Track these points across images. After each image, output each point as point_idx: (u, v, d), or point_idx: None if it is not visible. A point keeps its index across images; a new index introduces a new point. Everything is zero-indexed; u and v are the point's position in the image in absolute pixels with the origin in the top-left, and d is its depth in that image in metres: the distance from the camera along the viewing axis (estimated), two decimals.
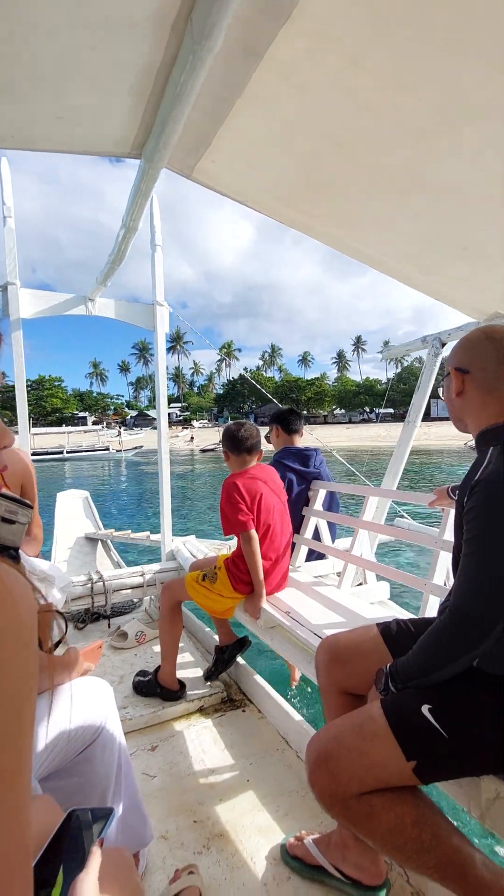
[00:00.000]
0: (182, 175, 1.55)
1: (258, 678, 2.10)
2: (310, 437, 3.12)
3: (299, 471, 2.62)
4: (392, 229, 1.76)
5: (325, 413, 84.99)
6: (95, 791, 1.04)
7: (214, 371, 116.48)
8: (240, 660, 2.20)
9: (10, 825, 0.35)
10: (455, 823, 0.95)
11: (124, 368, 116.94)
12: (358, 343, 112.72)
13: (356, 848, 1.18)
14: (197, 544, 3.12)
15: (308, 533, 2.57)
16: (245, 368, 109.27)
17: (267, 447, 2.31)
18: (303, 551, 2.58)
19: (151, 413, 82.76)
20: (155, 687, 1.97)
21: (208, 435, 51.88)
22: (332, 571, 2.63)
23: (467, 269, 1.96)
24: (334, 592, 2.04)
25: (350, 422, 79.13)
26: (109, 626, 2.70)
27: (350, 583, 2.26)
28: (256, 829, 1.41)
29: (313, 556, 2.67)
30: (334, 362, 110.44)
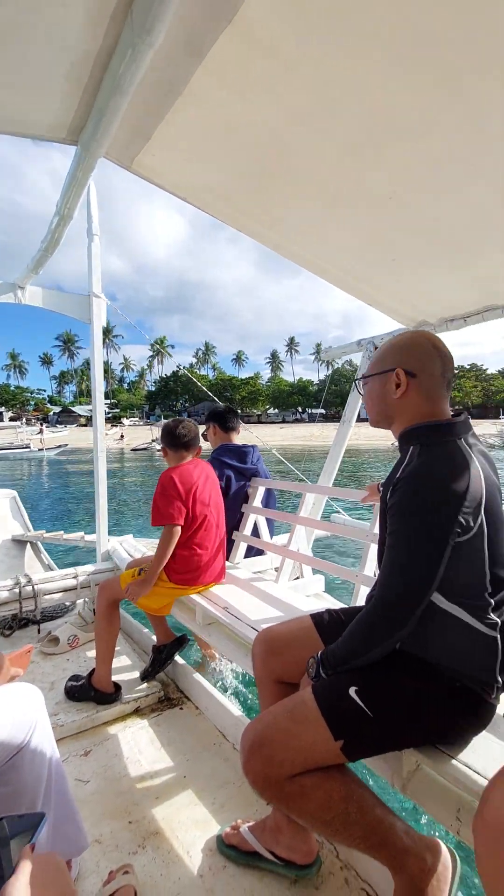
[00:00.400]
0: (121, 166, 1.52)
1: (196, 675, 2.10)
2: (249, 434, 3.16)
3: (237, 467, 2.65)
4: (325, 235, 1.83)
5: (259, 412, 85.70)
6: (24, 800, 1.00)
7: (146, 367, 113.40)
8: (178, 658, 2.20)
9: None
10: (381, 798, 1.02)
11: (46, 361, 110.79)
12: (291, 344, 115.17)
13: (289, 830, 1.23)
14: (135, 543, 3.05)
15: (247, 529, 2.61)
16: (178, 365, 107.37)
17: (204, 445, 2.32)
18: (241, 548, 2.62)
19: (77, 409, 78.63)
20: (89, 691, 1.91)
21: (140, 433, 49.61)
22: (270, 567, 2.69)
23: (396, 278, 2.08)
24: (272, 587, 2.10)
25: (283, 421, 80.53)
26: (39, 632, 2.58)
27: (287, 577, 2.33)
28: (193, 823, 1.42)
29: (252, 552, 2.71)
30: (268, 362, 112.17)
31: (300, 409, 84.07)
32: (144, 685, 2.06)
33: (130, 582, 1.92)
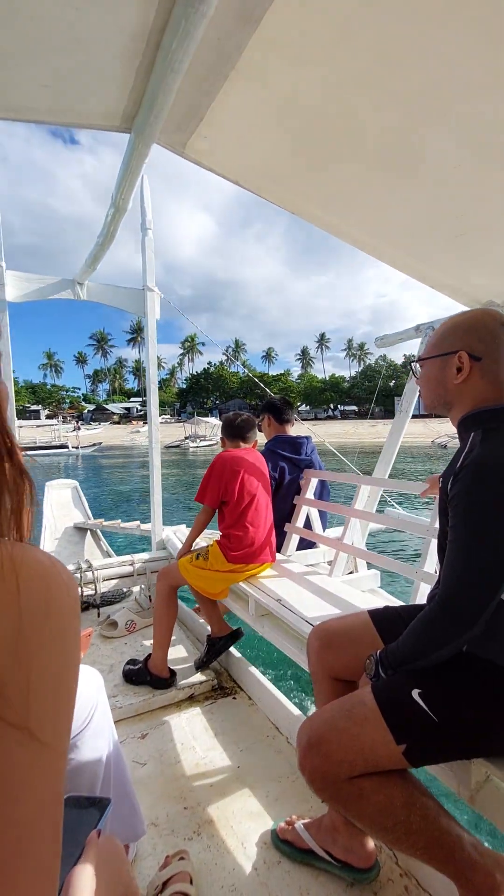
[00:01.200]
0: (174, 152, 1.50)
1: (249, 666, 2.10)
2: (302, 427, 3.10)
3: (291, 458, 2.61)
4: (385, 213, 1.72)
5: None
6: (84, 779, 1.03)
7: (176, 365, 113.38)
8: (231, 648, 2.20)
9: (58, 789, 0.40)
10: (445, 806, 0.95)
11: (81, 360, 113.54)
12: (322, 340, 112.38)
13: (346, 831, 1.18)
14: (187, 532, 3.10)
15: (300, 521, 2.57)
16: (209, 363, 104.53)
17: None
18: (294, 540, 2.58)
19: (111, 407, 80.00)
20: (145, 675, 1.96)
21: (171, 430, 48.92)
22: (322, 560, 2.64)
23: (461, 254, 1.94)
24: (325, 581, 2.04)
25: (315, 418, 79.05)
26: (99, 616, 2.68)
27: (341, 571, 2.27)
28: (247, 815, 1.41)
29: (304, 544, 2.67)
30: (298, 359, 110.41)
31: (332, 406, 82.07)
32: (198, 673, 2.08)
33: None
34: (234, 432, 2.15)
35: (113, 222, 1.89)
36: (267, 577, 2.07)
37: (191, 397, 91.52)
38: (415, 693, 0.92)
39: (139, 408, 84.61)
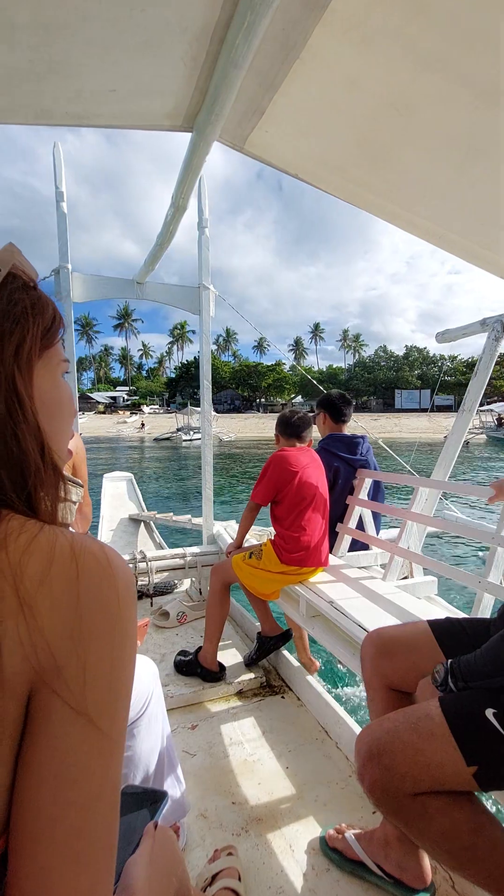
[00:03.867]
0: (233, 148, 1.50)
1: (298, 666, 2.08)
2: (352, 423, 3.02)
3: (346, 458, 2.55)
4: (453, 200, 1.63)
5: (284, 402, 79.78)
6: (139, 766, 1.06)
7: (165, 354, 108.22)
8: (280, 648, 2.19)
9: (115, 775, 0.41)
10: None
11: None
12: (316, 331, 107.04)
13: (400, 847, 1.14)
14: (237, 528, 3.12)
15: (352, 522, 2.50)
16: (199, 352, 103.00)
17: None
18: (346, 541, 2.52)
19: (96, 396, 76.59)
20: (196, 667, 1.99)
21: (161, 421, 45.39)
22: (375, 563, 2.56)
23: None
24: (379, 585, 1.98)
25: (312, 411, 76.10)
26: (152, 605, 2.76)
27: (396, 575, 2.19)
28: (295, 817, 1.39)
29: (356, 546, 2.60)
30: (291, 349, 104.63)
31: None
32: (247, 670, 2.09)
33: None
34: (291, 430, 2.10)
35: (173, 222, 1.91)
36: (319, 577, 2.03)
37: (180, 387, 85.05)
38: (489, 713, 0.86)
39: (125, 397, 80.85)
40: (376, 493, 2.65)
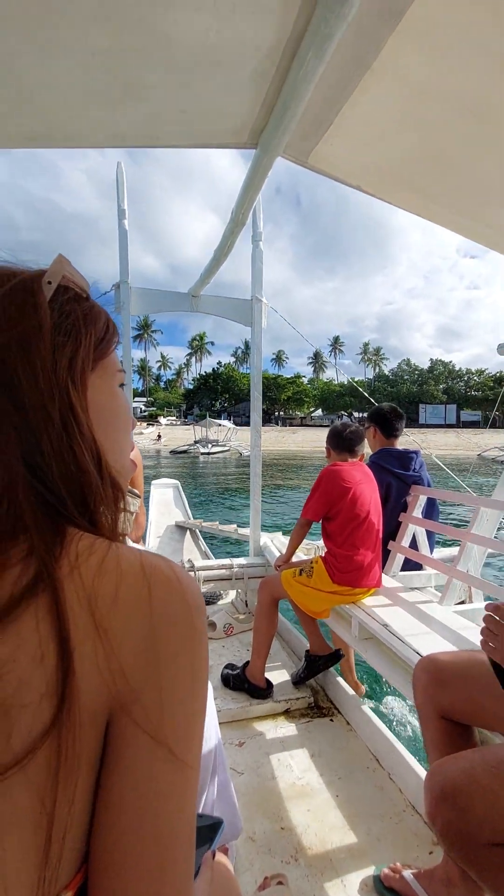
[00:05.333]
0: (297, 163, 1.50)
1: (347, 687, 2.01)
2: (405, 438, 2.92)
3: (398, 474, 2.46)
4: None
5: (303, 415, 78.40)
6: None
7: (183, 365, 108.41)
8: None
9: (193, 805, 0.39)
10: None
11: None
12: (336, 344, 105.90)
13: (464, 885, 1.06)
14: (284, 541, 3.08)
15: (405, 541, 2.41)
16: (219, 363, 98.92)
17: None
18: (398, 559, 2.42)
19: None
20: (243, 682, 1.97)
21: (178, 433, 43.40)
22: (429, 584, 2.44)
23: None
24: (435, 609, 1.88)
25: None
26: None
27: (454, 599, 2.07)
28: (346, 850, 1.33)
29: (409, 565, 2.50)
30: (310, 363, 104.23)
31: (348, 413, 76.16)
32: (295, 688, 2.04)
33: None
34: (343, 444, 2.04)
35: (232, 236, 1.94)
36: (371, 597, 1.96)
37: (198, 399, 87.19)
38: None
39: (143, 408, 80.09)
40: (430, 510, 2.54)
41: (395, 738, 1.71)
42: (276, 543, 3.04)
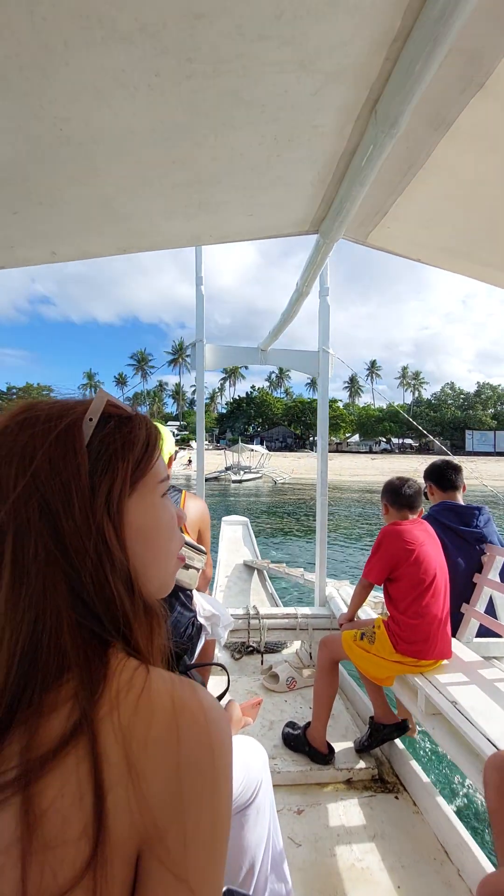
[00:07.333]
0: (356, 242, 1.59)
1: (414, 764, 1.90)
2: (471, 474, 2.75)
3: (456, 529, 2.33)
4: None
5: (339, 440, 74.08)
6: (246, 858, 1.05)
7: (217, 390, 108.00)
8: (396, 740, 2.03)
9: None
10: None
11: (121, 381, 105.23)
12: (372, 368, 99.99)
13: None
14: (350, 592, 3.02)
15: (480, 605, 2.26)
16: (252, 387, 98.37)
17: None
18: (472, 625, 2.27)
19: None
20: (304, 744, 1.93)
21: (209, 458, 39.27)
22: None
23: None
24: None
25: (370, 451, 69.09)
26: (262, 663, 2.77)
27: None
28: None
29: (484, 630, 2.33)
30: (346, 387, 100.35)
31: (387, 439, 71.36)
32: (358, 756, 1.96)
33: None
34: (404, 501, 1.95)
35: (297, 303, 2.07)
36: (440, 668, 1.86)
37: (231, 423, 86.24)
38: None
39: (176, 432, 75.39)
40: None
41: (466, 828, 1.58)
42: (342, 594, 2.98)
